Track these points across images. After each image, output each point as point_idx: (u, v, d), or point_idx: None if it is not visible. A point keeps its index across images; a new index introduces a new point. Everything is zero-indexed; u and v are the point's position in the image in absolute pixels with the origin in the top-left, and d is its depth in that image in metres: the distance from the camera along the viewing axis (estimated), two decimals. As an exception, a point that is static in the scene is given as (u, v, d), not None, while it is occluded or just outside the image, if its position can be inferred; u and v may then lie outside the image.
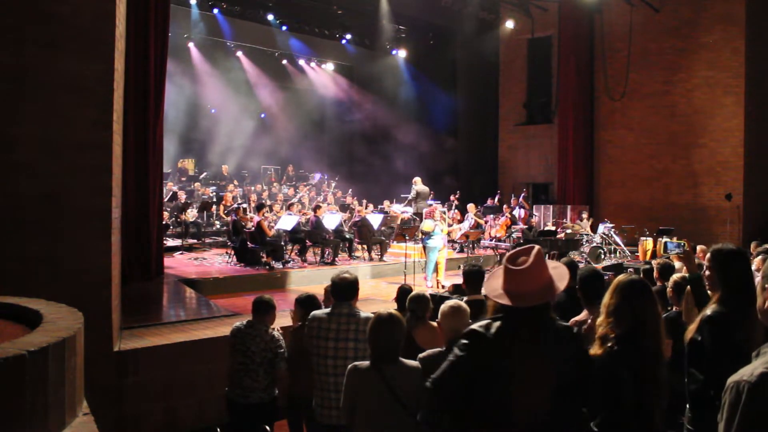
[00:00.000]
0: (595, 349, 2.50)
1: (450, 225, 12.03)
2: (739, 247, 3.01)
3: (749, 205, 14.31)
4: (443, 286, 9.14)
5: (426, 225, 9.74)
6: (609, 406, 2.40)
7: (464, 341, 2.29)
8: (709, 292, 3.04)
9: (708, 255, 2.92)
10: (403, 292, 4.53)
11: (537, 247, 2.35)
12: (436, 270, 9.76)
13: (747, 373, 1.49)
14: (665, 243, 11.03)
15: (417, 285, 8.86)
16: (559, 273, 2.35)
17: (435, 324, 3.88)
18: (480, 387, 2.22)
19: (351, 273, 3.65)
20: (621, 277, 2.68)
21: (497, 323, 2.28)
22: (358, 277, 3.69)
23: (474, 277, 4.31)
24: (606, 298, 2.60)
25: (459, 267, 11.43)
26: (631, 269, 7.18)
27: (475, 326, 2.32)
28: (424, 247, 9.77)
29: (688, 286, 4.01)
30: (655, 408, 2.42)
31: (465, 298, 4.20)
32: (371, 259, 11.70)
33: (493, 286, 2.36)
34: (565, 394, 2.22)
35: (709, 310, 2.72)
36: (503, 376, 2.19)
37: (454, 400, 2.31)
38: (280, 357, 4.09)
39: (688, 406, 2.77)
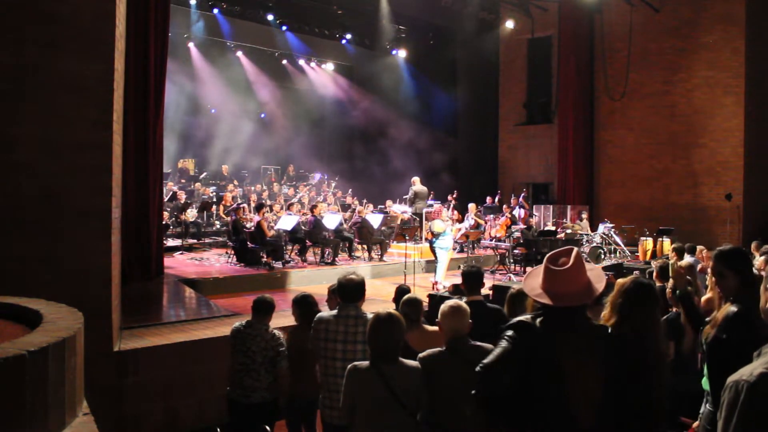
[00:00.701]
0: None
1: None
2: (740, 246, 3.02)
3: (749, 205, 14.31)
4: (444, 286, 9.13)
5: (437, 226, 9.62)
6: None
7: (511, 331, 2.31)
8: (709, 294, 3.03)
9: (715, 258, 2.91)
10: (401, 292, 4.52)
11: (575, 249, 2.40)
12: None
13: (746, 372, 1.50)
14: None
15: (417, 285, 8.87)
16: (596, 274, 2.39)
17: (429, 327, 3.88)
18: (533, 376, 2.24)
19: (358, 274, 3.64)
20: (626, 279, 2.70)
21: (540, 318, 2.32)
22: (364, 278, 3.68)
23: (473, 277, 4.30)
24: (611, 296, 2.65)
25: (459, 267, 11.46)
26: (637, 271, 7.17)
27: (521, 317, 2.36)
28: (433, 248, 9.70)
29: (688, 287, 4.01)
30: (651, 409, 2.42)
31: (464, 299, 4.20)
32: (371, 259, 11.71)
33: (532, 285, 2.39)
34: (614, 392, 2.24)
35: (734, 308, 2.71)
36: (554, 370, 2.21)
37: (501, 388, 2.29)
38: (282, 356, 4.08)
39: (708, 406, 2.75)
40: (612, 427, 2.27)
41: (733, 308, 2.71)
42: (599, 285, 2.34)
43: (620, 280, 2.72)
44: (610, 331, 2.41)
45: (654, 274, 5.25)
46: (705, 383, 2.80)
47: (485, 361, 2.31)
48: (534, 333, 2.28)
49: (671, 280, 4.36)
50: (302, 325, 4.17)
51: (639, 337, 2.47)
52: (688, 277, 3.58)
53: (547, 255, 2.41)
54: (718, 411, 1.58)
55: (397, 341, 2.96)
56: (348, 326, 3.45)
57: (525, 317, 2.35)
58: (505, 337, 2.31)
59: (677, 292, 3.53)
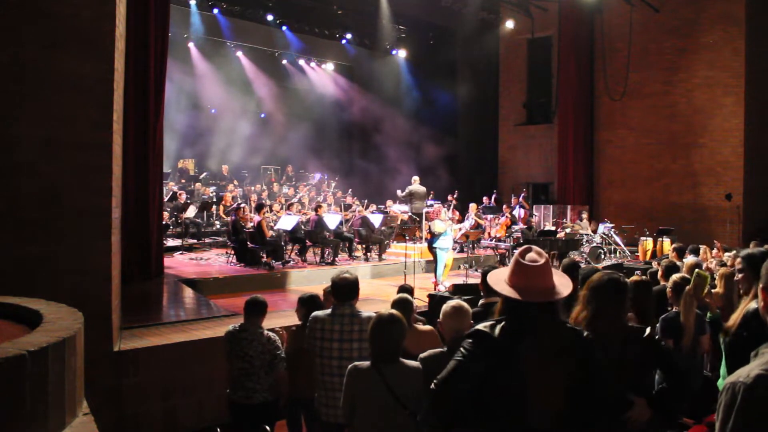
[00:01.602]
0: None
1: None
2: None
3: (749, 205, 14.31)
4: (444, 287, 9.13)
5: (437, 226, 9.59)
6: None
7: (468, 341, 2.28)
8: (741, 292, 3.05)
9: (739, 259, 2.93)
10: (403, 291, 4.52)
11: (541, 250, 2.37)
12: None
13: (743, 374, 1.49)
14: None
15: (417, 285, 8.86)
16: (563, 282, 2.34)
17: (421, 328, 3.88)
18: (490, 388, 2.20)
19: (351, 273, 3.64)
20: (600, 273, 2.74)
21: (502, 323, 2.27)
22: (358, 276, 3.68)
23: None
24: (582, 290, 2.75)
25: (459, 267, 11.46)
26: (638, 272, 7.19)
27: (479, 326, 2.31)
28: (432, 249, 9.69)
29: (688, 286, 4.03)
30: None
31: (481, 301, 4.20)
32: (371, 259, 11.70)
33: (498, 278, 2.35)
34: (578, 395, 2.21)
35: (754, 304, 2.71)
36: (514, 376, 2.17)
37: (459, 401, 2.28)
38: (279, 358, 4.08)
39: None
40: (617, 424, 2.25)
41: (753, 304, 2.70)
42: (565, 290, 2.29)
43: (596, 274, 2.76)
44: (586, 334, 2.38)
45: (659, 273, 5.27)
46: (722, 384, 2.80)
47: (439, 376, 2.29)
48: (492, 343, 2.22)
49: (673, 276, 4.38)
50: (305, 325, 4.17)
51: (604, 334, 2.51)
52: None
53: (519, 250, 2.36)
54: (716, 413, 1.57)
55: (398, 342, 2.96)
56: (343, 325, 3.45)
57: (484, 325, 2.29)
58: (462, 349, 2.28)
59: (709, 315, 3.54)
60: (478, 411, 2.24)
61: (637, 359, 2.67)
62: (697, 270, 4.22)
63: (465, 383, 2.24)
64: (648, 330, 2.78)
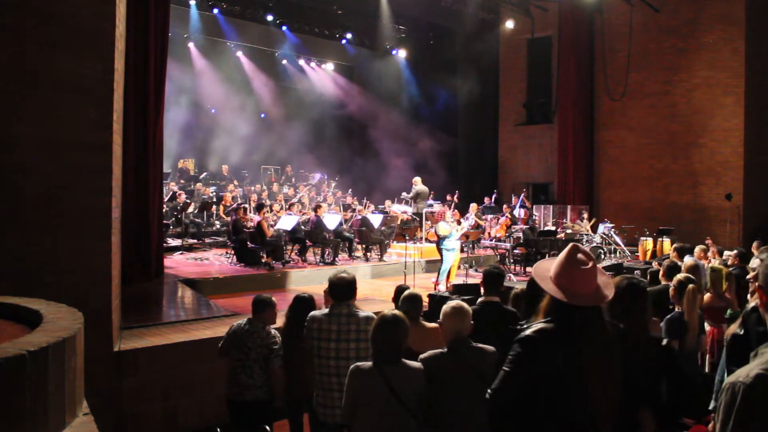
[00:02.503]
0: None
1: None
2: None
3: (749, 205, 14.31)
4: (444, 286, 9.12)
5: (442, 228, 9.55)
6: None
7: (517, 348, 2.26)
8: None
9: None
10: (401, 291, 4.52)
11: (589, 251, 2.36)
12: (448, 272, 9.66)
13: (743, 374, 1.49)
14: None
15: (417, 285, 8.86)
16: (605, 281, 2.33)
17: (428, 325, 3.87)
18: (545, 392, 2.19)
19: (348, 272, 3.63)
20: (618, 278, 2.70)
21: (550, 326, 2.25)
22: (355, 276, 3.68)
23: (491, 278, 4.29)
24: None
25: (459, 267, 11.46)
26: (638, 271, 7.19)
27: (528, 332, 2.29)
28: (440, 250, 9.66)
29: (691, 285, 4.03)
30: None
31: (480, 299, 4.20)
32: (371, 259, 11.70)
33: (544, 276, 2.32)
34: (634, 394, 2.22)
35: (752, 303, 2.71)
36: (570, 376, 2.16)
37: (513, 408, 2.27)
38: (275, 354, 4.08)
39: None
40: (630, 427, 2.25)
41: (753, 303, 2.70)
42: (608, 292, 2.29)
43: (614, 279, 2.72)
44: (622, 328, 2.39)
45: (660, 273, 5.27)
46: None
47: (493, 386, 2.29)
48: (541, 347, 2.21)
49: (676, 276, 4.38)
50: (291, 325, 4.17)
51: (640, 335, 2.49)
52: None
53: (568, 249, 2.32)
54: (715, 414, 1.57)
55: (400, 342, 2.95)
56: (341, 324, 3.45)
57: (532, 330, 2.28)
58: (511, 355, 2.27)
59: (729, 311, 3.51)
60: (538, 415, 2.23)
61: (654, 365, 2.66)
62: (711, 265, 4.21)
63: (518, 389, 2.23)
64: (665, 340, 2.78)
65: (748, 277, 4.06)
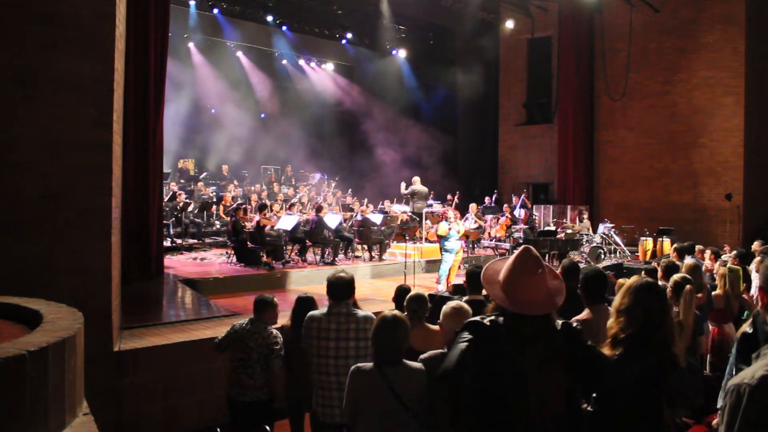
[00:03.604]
0: (605, 350, 2.48)
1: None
2: None
3: (749, 205, 14.32)
4: (443, 286, 9.13)
5: (441, 228, 9.60)
6: (609, 406, 2.39)
7: (465, 330, 2.26)
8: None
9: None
10: (402, 291, 4.52)
11: (538, 254, 2.32)
12: (448, 273, 9.65)
13: (748, 375, 1.49)
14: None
15: (417, 285, 8.86)
16: (557, 287, 2.29)
17: (431, 326, 3.87)
18: (488, 380, 2.18)
19: (347, 272, 3.64)
20: (634, 278, 2.67)
21: (497, 318, 2.25)
22: (354, 275, 3.68)
23: (476, 277, 4.29)
24: (617, 299, 2.61)
25: (459, 267, 11.46)
26: (643, 272, 7.17)
27: (474, 318, 2.29)
28: (441, 250, 9.67)
29: (688, 286, 4.03)
30: (660, 414, 2.40)
31: (465, 298, 4.19)
32: (371, 259, 11.70)
33: (492, 279, 2.30)
34: (576, 390, 2.20)
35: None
36: (512, 369, 2.15)
37: (459, 392, 2.26)
38: (275, 354, 4.08)
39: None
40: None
41: None
42: (558, 299, 2.25)
43: (628, 283, 2.68)
44: (576, 326, 2.35)
45: (659, 273, 5.27)
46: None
47: (444, 365, 2.27)
48: (490, 336, 2.19)
49: (673, 276, 4.38)
50: (294, 326, 4.17)
51: (666, 336, 2.46)
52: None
53: (518, 253, 2.29)
54: (719, 415, 1.57)
55: (401, 343, 2.95)
56: (339, 324, 3.45)
57: (480, 318, 2.27)
58: (460, 339, 2.25)
59: (746, 313, 3.48)
60: (479, 410, 2.22)
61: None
62: (728, 265, 4.20)
63: (464, 374, 2.21)
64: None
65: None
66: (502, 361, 2.17)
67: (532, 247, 2.34)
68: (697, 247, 7.86)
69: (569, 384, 2.19)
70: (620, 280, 4.38)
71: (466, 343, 2.22)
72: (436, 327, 3.87)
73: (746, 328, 2.75)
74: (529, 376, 2.13)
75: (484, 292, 2.35)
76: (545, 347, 2.19)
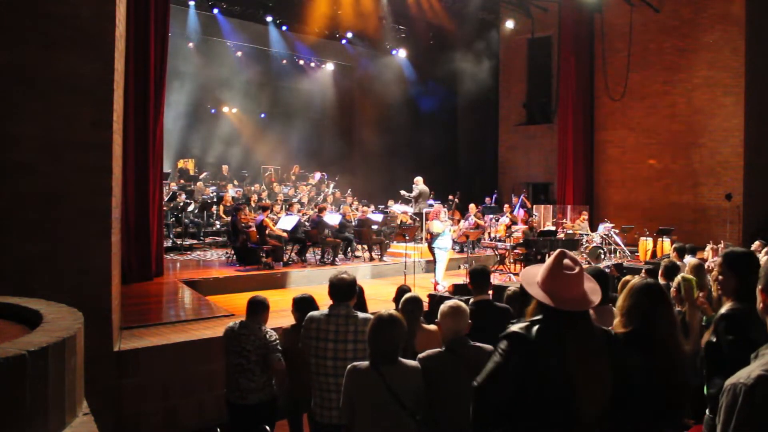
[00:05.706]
0: None
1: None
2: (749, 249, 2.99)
3: (749, 205, 14.32)
4: (443, 287, 9.12)
5: (435, 226, 9.59)
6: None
7: (504, 343, 2.26)
8: (721, 297, 2.98)
9: (720, 259, 2.86)
10: (402, 292, 4.52)
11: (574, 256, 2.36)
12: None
13: (744, 375, 1.49)
14: None
15: (417, 285, 8.86)
16: (592, 287, 2.33)
17: (428, 326, 3.87)
18: (532, 387, 2.19)
19: (349, 273, 3.61)
20: (636, 278, 2.68)
21: (537, 325, 2.25)
22: (355, 277, 3.67)
23: (479, 276, 4.29)
24: (620, 300, 2.64)
25: (459, 267, 11.46)
26: (644, 273, 7.15)
27: (514, 328, 2.29)
28: (431, 249, 9.67)
29: (693, 285, 4.00)
30: (660, 414, 2.41)
31: (471, 299, 4.19)
32: (371, 259, 11.70)
33: (530, 282, 2.32)
34: (621, 395, 2.22)
35: (723, 309, 2.69)
36: (557, 374, 2.16)
37: (500, 402, 2.27)
38: (274, 351, 4.06)
39: (708, 412, 2.72)
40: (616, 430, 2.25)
41: (722, 311, 2.70)
42: (594, 297, 2.29)
43: (630, 283, 2.69)
44: (615, 333, 2.39)
45: (659, 273, 5.26)
46: (706, 389, 2.78)
47: (479, 378, 2.29)
48: (529, 344, 2.21)
49: (677, 276, 4.37)
50: (300, 326, 4.16)
51: (664, 338, 2.47)
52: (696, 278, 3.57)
53: (555, 255, 2.33)
54: (717, 415, 1.57)
55: (397, 342, 2.95)
56: (339, 325, 3.43)
57: (519, 326, 2.28)
58: (499, 350, 2.27)
59: (705, 318, 3.51)
60: (523, 410, 2.23)
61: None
62: (681, 275, 4.20)
63: (504, 384, 2.23)
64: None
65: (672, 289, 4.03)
66: (545, 363, 2.18)
67: (566, 250, 2.38)
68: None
69: (613, 382, 2.21)
70: (626, 278, 4.36)
71: (502, 356, 2.24)
72: (433, 327, 3.88)
73: (710, 337, 2.72)
74: (574, 375, 2.15)
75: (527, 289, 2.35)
76: (587, 346, 2.22)
